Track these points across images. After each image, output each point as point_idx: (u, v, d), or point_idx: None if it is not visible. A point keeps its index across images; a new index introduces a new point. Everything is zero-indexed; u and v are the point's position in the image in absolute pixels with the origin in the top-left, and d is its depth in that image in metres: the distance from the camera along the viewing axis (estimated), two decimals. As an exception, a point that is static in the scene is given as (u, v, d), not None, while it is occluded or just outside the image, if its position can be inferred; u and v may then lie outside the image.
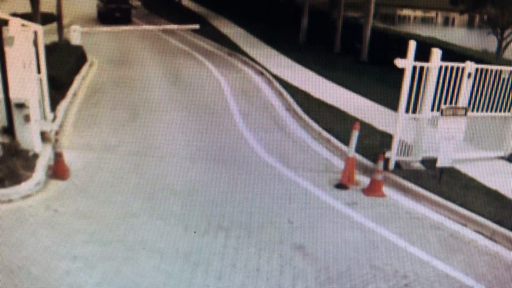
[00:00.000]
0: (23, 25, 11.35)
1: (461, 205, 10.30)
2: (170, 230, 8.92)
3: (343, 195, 10.81)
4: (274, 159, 12.36)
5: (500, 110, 12.88)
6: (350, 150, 11.36)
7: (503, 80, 12.70)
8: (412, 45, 11.40)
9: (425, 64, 11.72)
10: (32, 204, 9.45)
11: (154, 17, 32.50)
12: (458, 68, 12.00)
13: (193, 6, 36.57)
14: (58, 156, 10.68)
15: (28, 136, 11.04)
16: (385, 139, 12.81)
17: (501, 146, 13.02)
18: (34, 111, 11.25)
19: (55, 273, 7.49)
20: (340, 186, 11.13)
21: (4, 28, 10.65)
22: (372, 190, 10.93)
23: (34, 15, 19.32)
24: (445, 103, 11.84)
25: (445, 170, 11.43)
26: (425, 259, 8.61)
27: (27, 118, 10.94)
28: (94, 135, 12.85)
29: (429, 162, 11.86)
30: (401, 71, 11.49)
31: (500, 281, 8.27)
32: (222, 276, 7.78)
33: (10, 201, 9.43)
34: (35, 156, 10.91)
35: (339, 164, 12.27)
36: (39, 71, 12.36)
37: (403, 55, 11.41)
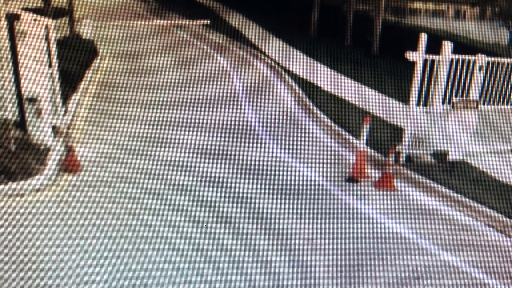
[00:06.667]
0: (34, 19, 11.40)
1: (472, 198, 10.27)
2: (180, 224, 8.94)
3: (353, 188, 10.80)
4: (285, 152, 12.35)
5: (512, 103, 12.83)
6: (361, 144, 11.34)
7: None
8: (423, 38, 11.37)
9: (436, 57, 11.69)
10: (43, 198, 9.51)
11: (165, 12, 32.49)
12: (469, 61, 11.96)
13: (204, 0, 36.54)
14: (69, 150, 10.73)
15: (40, 130, 11.09)
16: (396, 133, 12.78)
17: (513, 139, 12.94)
18: (45, 105, 11.31)
19: (66, 266, 7.53)
20: (351, 179, 11.13)
21: (16, 23, 10.71)
22: (383, 183, 10.91)
23: (46, 10, 19.36)
24: (456, 96, 11.81)
25: (456, 163, 11.39)
26: (436, 253, 8.60)
27: (38, 112, 10.99)
28: (105, 129, 12.89)
29: (440, 156, 11.84)
30: (412, 64, 11.48)
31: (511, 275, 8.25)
32: (231, 270, 7.80)
33: (22, 194, 9.48)
34: (47, 150, 10.97)
35: (350, 157, 12.25)
36: (50, 65, 12.42)
37: (414, 48, 11.40)
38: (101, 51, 20.38)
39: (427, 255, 8.52)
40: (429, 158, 12.02)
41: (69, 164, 10.67)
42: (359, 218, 9.62)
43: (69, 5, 22.22)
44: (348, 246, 8.67)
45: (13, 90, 10.95)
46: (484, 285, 7.94)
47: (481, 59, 12.03)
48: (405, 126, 11.87)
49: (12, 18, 10.83)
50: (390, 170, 10.93)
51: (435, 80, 11.80)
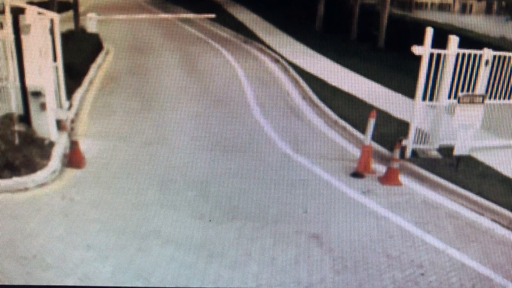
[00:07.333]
0: (39, 13, 11.42)
1: (478, 193, 10.24)
2: (185, 220, 8.93)
3: (359, 183, 10.77)
4: (290, 147, 12.32)
5: (518, 98, 12.77)
6: (366, 138, 11.30)
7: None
8: (429, 32, 11.31)
9: (442, 51, 11.62)
10: (47, 192, 9.52)
11: (170, 6, 32.43)
12: (475, 55, 11.90)
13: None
14: (73, 145, 10.73)
15: (44, 124, 11.10)
16: (402, 127, 12.71)
17: (519, 134, 12.87)
18: (50, 99, 11.31)
19: (69, 261, 7.54)
20: (356, 174, 11.09)
21: (20, 16, 10.71)
22: (389, 178, 10.88)
23: (51, 3, 19.30)
24: (462, 90, 11.75)
25: (462, 158, 11.35)
26: (441, 248, 8.58)
27: (43, 106, 10.99)
28: (110, 123, 12.86)
29: (446, 150, 11.79)
30: (418, 58, 11.42)
31: (517, 270, 8.22)
32: (236, 266, 7.80)
33: (26, 189, 9.50)
34: (51, 144, 10.98)
35: (355, 152, 12.20)
36: (55, 59, 12.43)
37: (420, 42, 11.34)
38: (105, 45, 20.34)
39: (432, 251, 8.50)
40: (435, 153, 11.97)
41: (73, 159, 10.67)
42: (364, 213, 9.60)
43: (74, -2, 22.23)
44: (353, 241, 8.66)
45: (18, 84, 10.96)
46: (489, 280, 7.93)
47: (488, 53, 11.96)
48: (411, 120, 11.82)
49: (17, 12, 10.83)
50: (395, 165, 10.89)
51: (441, 74, 11.75)
